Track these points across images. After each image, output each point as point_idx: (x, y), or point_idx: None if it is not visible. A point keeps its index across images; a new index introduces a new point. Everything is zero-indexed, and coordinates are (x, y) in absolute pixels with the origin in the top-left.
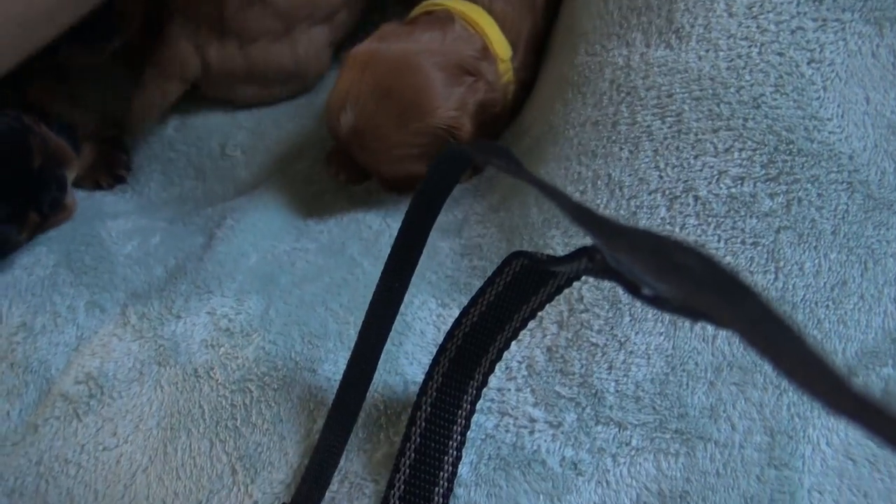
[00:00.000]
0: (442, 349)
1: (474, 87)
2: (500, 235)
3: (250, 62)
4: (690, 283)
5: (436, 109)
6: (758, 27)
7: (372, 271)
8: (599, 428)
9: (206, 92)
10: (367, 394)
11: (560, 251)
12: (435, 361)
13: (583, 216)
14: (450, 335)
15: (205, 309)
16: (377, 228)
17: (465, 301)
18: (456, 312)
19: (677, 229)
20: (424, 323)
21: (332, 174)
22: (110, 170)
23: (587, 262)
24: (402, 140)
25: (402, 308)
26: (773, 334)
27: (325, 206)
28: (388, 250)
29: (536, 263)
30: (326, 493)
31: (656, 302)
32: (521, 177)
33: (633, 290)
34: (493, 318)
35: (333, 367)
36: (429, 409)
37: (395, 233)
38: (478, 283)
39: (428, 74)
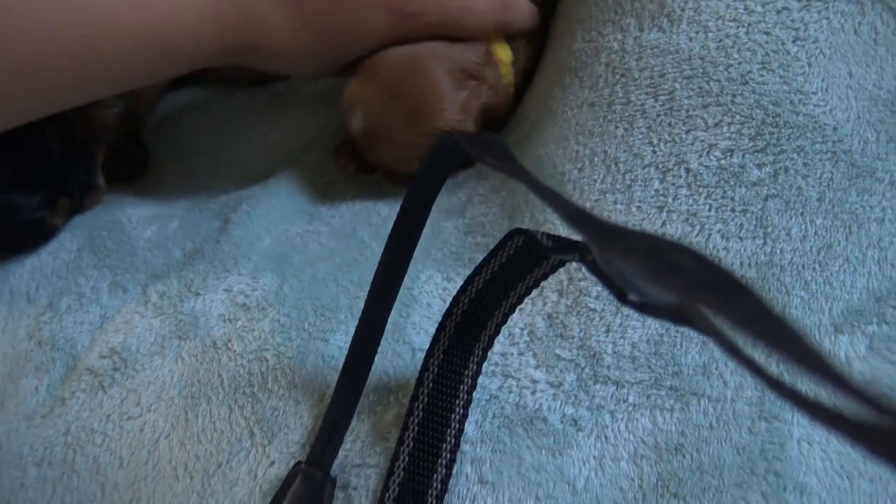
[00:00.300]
0: (448, 314)
1: (478, 91)
2: (502, 214)
3: None
4: (687, 283)
5: (441, 112)
6: (745, 8)
7: (380, 253)
8: (598, 387)
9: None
10: (376, 361)
11: (560, 227)
12: (441, 325)
13: (577, 218)
14: (455, 301)
15: (222, 286)
16: (386, 215)
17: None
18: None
19: (670, 200)
20: (430, 296)
21: (340, 167)
22: (129, 163)
23: (578, 259)
24: (409, 141)
25: (408, 282)
26: (774, 330)
27: (336, 194)
28: None
29: (533, 245)
30: (340, 452)
31: (643, 308)
32: (515, 176)
33: (620, 295)
34: (498, 286)
35: (345, 336)
36: (436, 370)
37: None
38: (481, 258)
39: (435, 78)
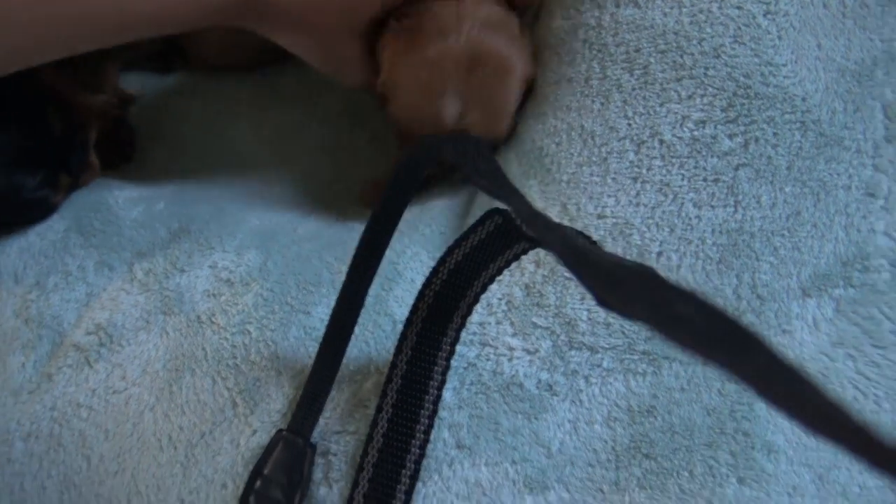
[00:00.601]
0: (428, 283)
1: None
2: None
3: None
4: (694, 336)
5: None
6: None
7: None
8: (573, 352)
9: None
10: (357, 332)
11: (538, 199)
12: (421, 295)
13: (573, 257)
14: (435, 271)
15: (207, 263)
16: None
17: None
18: None
19: (644, 171)
20: (414, 272)
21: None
22: (117, 148)
23: (550, 248)
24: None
25: (393, 257)
26: (786, 384)
27: (334, 193)
28: None
29: (510, 226)
30: (320, 419)
31: (621, 310)
32: (497, 196)
33: (599, 299)
34: (477, 259)
35: (326, 309)
36: (415, 338)
37: None
38: None
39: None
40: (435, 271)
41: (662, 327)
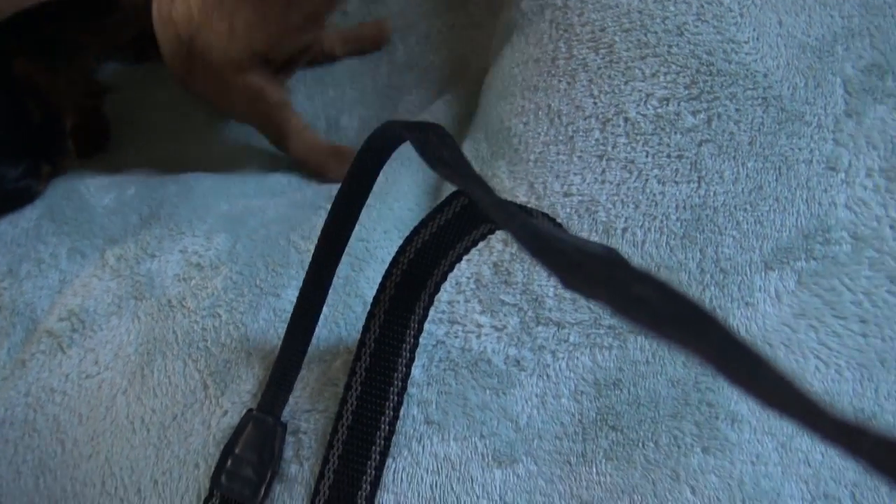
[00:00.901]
0: (394, 262)
1: None
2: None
3: None
4: (651, 316)
5: None
6: None
7: None
8: (540, 328)
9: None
10: (326, 312)
11: (506, 179)
12: (388, 273)
13: (533, 240)
14: (401, 250)
15: (177, 248)
16: None
17: None
18: None
19: (609, 148)
20: (385, 252)
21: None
22: (91, 137)
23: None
24: None
25: (364, 234)
26: (741, 362)
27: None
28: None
29: (475, 208)
30: (290, 399)
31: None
32: (458, 183)
33: (563, 281)
34: (443, 239)
35: (295, 291)
36: (382, 317)
37: None
38: None
39: None
40: (402, 250)
41: (621, 309)
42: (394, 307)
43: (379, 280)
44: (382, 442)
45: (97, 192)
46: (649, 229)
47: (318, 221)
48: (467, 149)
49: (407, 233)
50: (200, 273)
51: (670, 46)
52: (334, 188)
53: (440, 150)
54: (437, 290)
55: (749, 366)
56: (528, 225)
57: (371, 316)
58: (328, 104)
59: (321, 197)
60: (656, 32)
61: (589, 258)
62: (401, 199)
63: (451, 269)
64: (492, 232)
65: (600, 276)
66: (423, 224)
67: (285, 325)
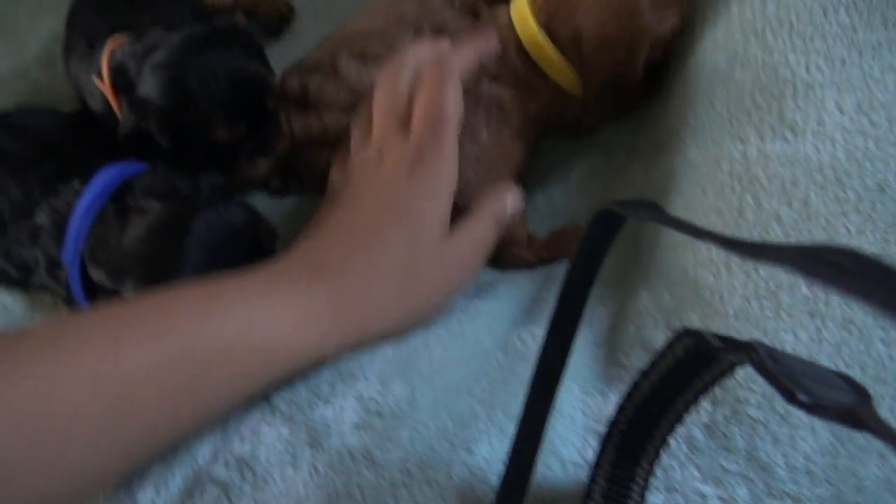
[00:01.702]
0: (614, 422)
1: None
2: (625, 323)
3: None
4: (840, 273)
5: None
6: (870, 122)
7: (504, 362)
8: (774, 502)
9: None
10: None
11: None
12: (608, 435)
13: (729, 242)
14: (621, 409)
15: (351, 393)
16: (488, 309)
17: (607, 390)
18: (600, 401)
19: (821, 306)
20: (571, 408)
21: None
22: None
23: (745, 358)
24: None
25: None
26: None
27: None
28: (519, 340)
29: (702, 345)
30: None
31: (814, 409)
32: (670, 225)
33: (789, 395)
34: (665, 392)
35: (488, 447)
36: (604, 483)
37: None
38: (619, 377)
39: None
40: (620, 409)
41: (814, 272)
42: (615, 475)
43: (570, 437)
44: None
45: None
46: (882, 396)
47: (493, 372)
48: (644, 298)
49: (589, 389)
50: (382, 422)
51: (873, 203)
52: (489, 314)
53: (655, 212)
54: (657, 455)
55: None
56: (724, 237)
57: (592, 481)
58: None
59: (481, 329)
60: (855, 189)
61: (778, 246)
62: (575, 357)
63: (672, 430)
64: (714, 383)
65: (789, 252)
66: (642, 377)
67: (482, 485)
